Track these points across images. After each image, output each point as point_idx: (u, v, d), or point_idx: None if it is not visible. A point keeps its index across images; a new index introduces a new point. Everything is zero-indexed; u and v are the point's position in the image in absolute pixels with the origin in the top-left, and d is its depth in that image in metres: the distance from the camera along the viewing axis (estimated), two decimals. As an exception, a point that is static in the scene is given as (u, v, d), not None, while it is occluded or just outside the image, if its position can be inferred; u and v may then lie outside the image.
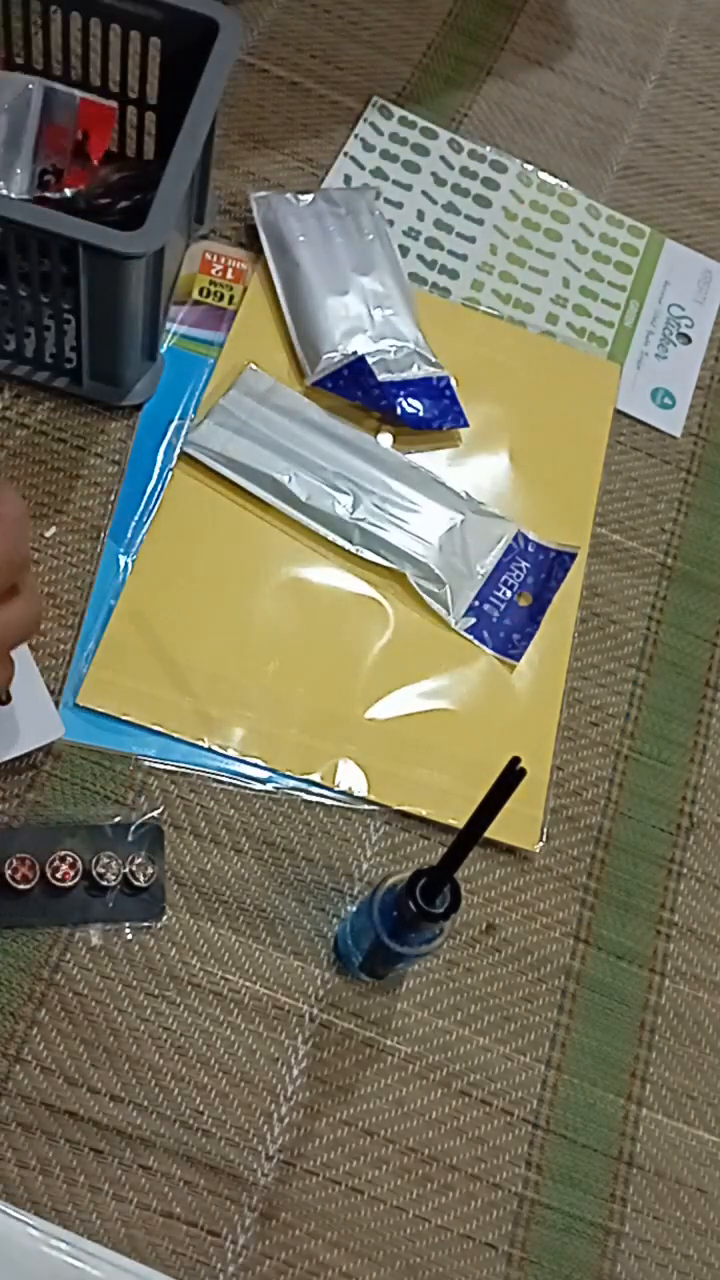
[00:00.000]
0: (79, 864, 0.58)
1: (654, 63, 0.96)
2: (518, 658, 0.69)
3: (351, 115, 0.86)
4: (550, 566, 0.72)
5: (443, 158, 0.86)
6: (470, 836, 0.47)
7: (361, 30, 0.89)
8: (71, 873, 0.58)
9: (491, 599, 0.70)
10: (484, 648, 0.69)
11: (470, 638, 0.69)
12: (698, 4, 1.00)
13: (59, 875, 0.58)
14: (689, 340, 0.84)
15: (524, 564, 0.72)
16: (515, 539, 0.72)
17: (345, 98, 0.86)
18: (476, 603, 0.70)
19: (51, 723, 0.60)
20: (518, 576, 0.71)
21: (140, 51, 0.68)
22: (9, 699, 0.57)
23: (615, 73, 0.94)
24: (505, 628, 0.70)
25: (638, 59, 0.96)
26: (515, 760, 0.44)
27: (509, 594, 0.71)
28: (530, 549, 0.72)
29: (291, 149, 0.83)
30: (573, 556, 0.72)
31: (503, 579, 0.71)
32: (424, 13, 0.92)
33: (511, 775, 0.44)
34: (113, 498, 0.68)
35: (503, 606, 0.70)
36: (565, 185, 0.87)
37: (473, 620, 0.70)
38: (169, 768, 0.63)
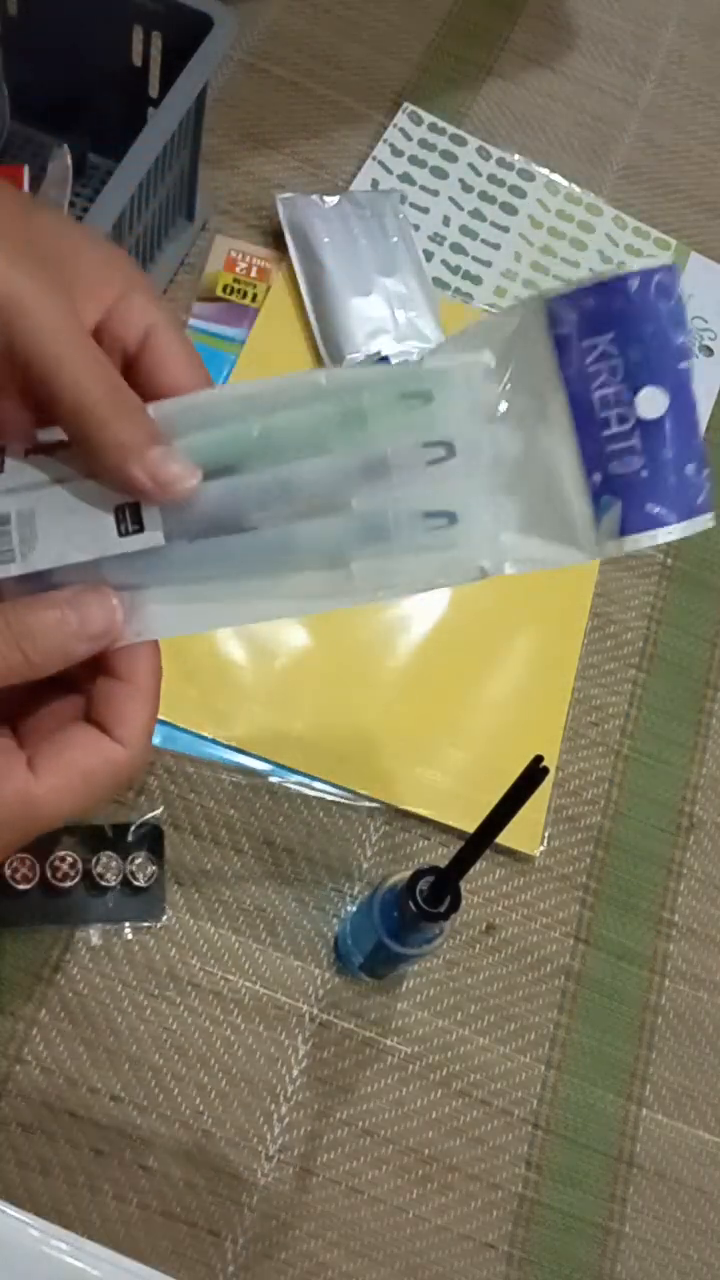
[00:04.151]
0: (79, 864, 0.58)
1: (654, 63, 0.96)
2: (707, 509, 0.36)
3: (351, 115, 0.85)
4: (631, 314, 0.35)
5: (471, 165, 0.86)
6: (486, 836, 0.47)
7: (361, 30, 0.89)
8: (71, 873, 0.58)
9: (604, 444, 0.35)
10: (657, 533, 0.35)
11: (627, 545, 0.35)
12: (698, 4, 1.00)
13: (59, 875, 0.58)
14: (711, 353, 0.84)
15: (588, 352, 0.36)
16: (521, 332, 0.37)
17: (345, 97, 0.86)
18: (592, 475, 0.35)
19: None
20: (602, 376, 0.35)
21: (143, 45, 0.68)
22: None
23: (615, 73, 0.94)
24: (659, 475, 0.35)
25: (638, 59, 0.96)
26: (538, 759, 0.44)
27: (615, 415, 0.35)
28: (569, 312, 0.35)
29: (291, 149, 0.83)
30: (668, 273, 0.35)
31: (590, 396, 0.36)
32: (424, 13, 0.92)
33: (534, 774, 0.44)
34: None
35: (628, 444, 0.35)
36: (592, 195, 0.87)
37: (617, 517, 0.35)
38: (170, 757, 0.63)
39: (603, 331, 0.36)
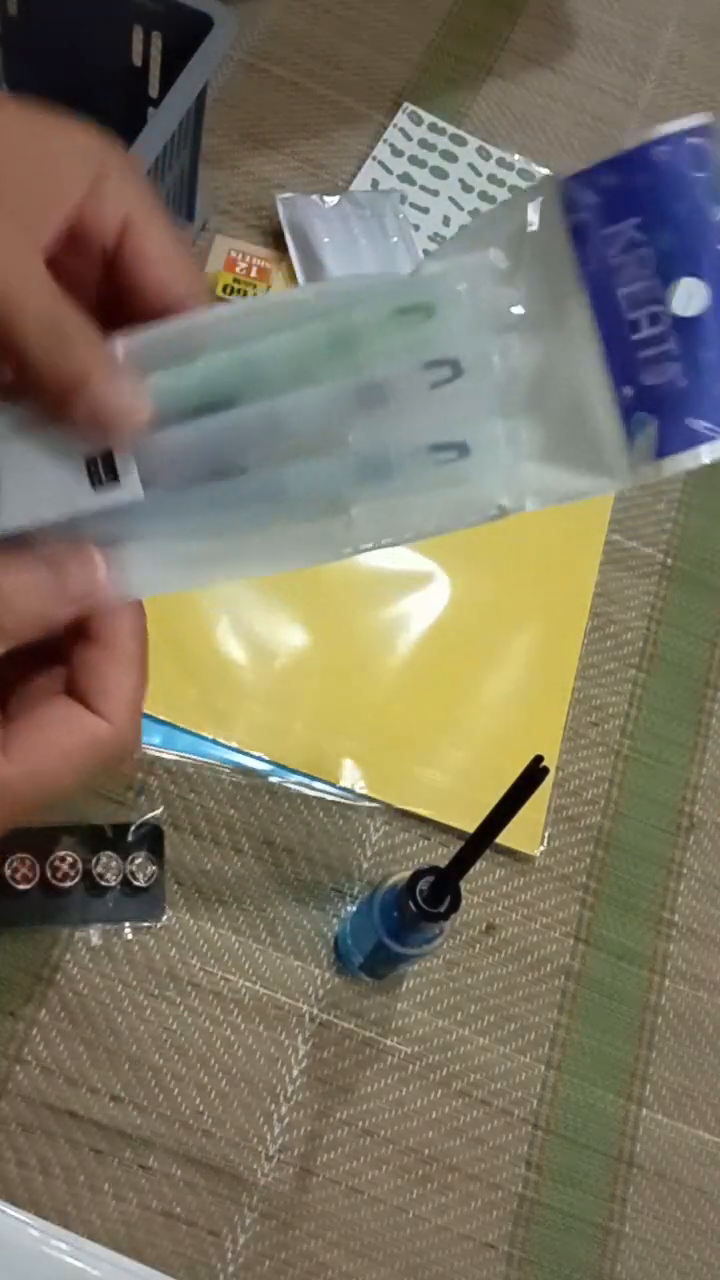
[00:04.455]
0: (79, 864, 0.58)
1: (654, 63, 0.96)
2: None
3: (351, 115, 0.85)
4: (660, 190, 0.30)
5: (471, 165, 0.86)
6: (486, 836, 0.47)
7: (361, 30, 0.89)
8: (71, 873, 0.58)
9: (634, 351, 0.30)
10: (700, 451, 0.30)
11: (666, 468, 0.30)
12: (698, 4, 1.00)
13: (59, 875, 0.58)
14: None
15: (611, 241, 0.30)
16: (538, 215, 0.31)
17: (345, 97, 0.86)
18: (622, 388, 0.30)
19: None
20: (629, 269, 0.30)
21: (143, 45, 0.68)
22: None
23: (615, 73, 0.94)
24: (701, 383, 0.30)
25: (638, 59, 0.96)
26: (538, 759, 0.44)
27: (645, 315, 0.30)
28: (587, 194, 0.30)
29: (291, 149, 0.83)
30: (703, 134, 0.30)
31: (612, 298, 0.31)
32: (424, 13, 0.92)
33: (534, 774, 0.44)
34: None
35: (663, 349, 0.30)
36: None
37: (653, 436, 0.30)
38: (170, 758, 0.63)
39: (627, 215, 0.30)
